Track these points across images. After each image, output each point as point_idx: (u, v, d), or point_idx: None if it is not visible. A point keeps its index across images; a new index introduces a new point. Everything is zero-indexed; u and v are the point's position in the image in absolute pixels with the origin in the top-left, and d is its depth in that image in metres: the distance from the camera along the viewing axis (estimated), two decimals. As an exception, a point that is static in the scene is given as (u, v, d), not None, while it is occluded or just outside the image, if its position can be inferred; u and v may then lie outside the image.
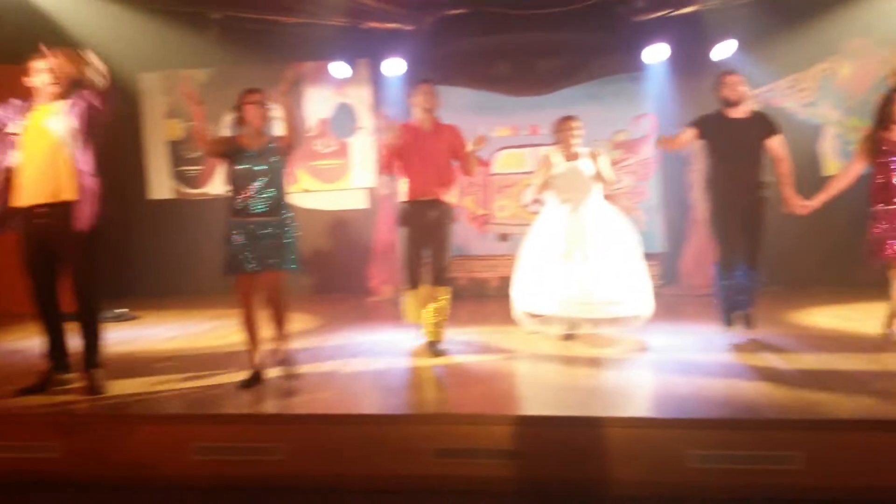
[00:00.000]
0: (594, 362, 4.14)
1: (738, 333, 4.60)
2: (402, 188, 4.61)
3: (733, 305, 4.61)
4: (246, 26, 7.47)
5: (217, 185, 8.27)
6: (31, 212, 3.60)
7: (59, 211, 3.57)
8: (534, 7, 7.02)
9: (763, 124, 4.57)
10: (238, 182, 3.73)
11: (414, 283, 4.57)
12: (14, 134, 3.62)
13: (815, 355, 4.09)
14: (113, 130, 8.19)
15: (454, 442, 3.03)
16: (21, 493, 3.08)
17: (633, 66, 7.47)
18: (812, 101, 7.28)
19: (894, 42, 7.00)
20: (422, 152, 4.48)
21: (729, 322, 4.66)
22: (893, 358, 3.94)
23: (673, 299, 6.72)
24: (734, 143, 4.50)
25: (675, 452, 2.95)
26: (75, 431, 3.17)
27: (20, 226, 3.64)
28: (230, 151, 3.77)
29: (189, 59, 7.94)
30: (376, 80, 7.93)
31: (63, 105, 3.66)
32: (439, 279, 4.53)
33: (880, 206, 4.14)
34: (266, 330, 3.93)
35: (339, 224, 7.93)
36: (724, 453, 2.89)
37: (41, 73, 3.65)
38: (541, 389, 3.59)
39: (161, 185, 8.34)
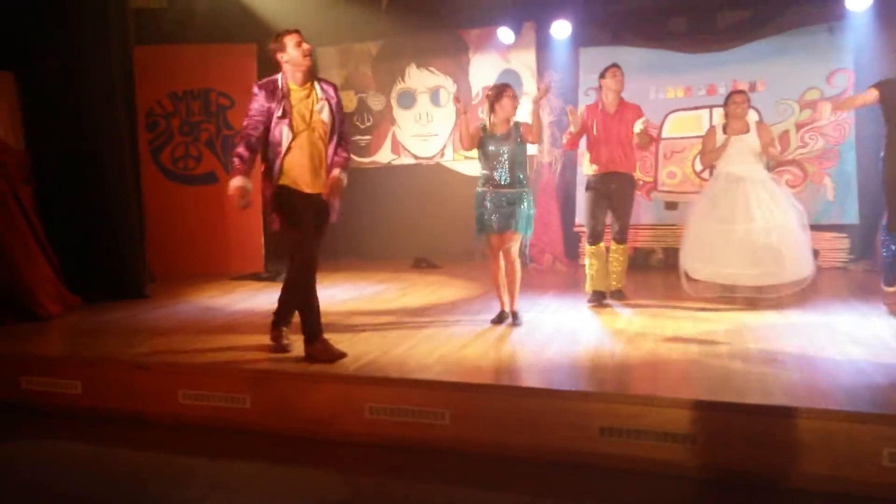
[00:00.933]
0: (768, 344, 3.86)
1: None
2: (589, 162, 5.31)
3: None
4: (414, -3, 7.63)
5: (385, 153, 8.61)
6: (310, 198, 3.74)
7: (325, 202, 3.82)
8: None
9: None
10: (488, 160, 4.49)
11: (595, 240, 5.27)
12: (283, 117, 3.66)
13: None
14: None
15: (620, 421, 2.97)
16: (217, 436, 3.45)
17: (831, 15, 6.73)
18: None
19: None
20: (608, 132, 5.17)
21: (890, 282, 4.70)
22: None
23: (866, 276, 6.09)
24: None
25: (869, 449, 2.69)
26: (263, 386, 3.47)
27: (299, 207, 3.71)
28: (483, 136, 4.52)
29: (362, 32, 8.27)
30: (542, 44, 7.80)
31: (318, 90, 3.78)
32: (620, 238, 5.35)
33: None
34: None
35: None
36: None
37: (299, 48, 3.70)
38: (712, 371, 3.39)
39: (335, 153, 8.79)
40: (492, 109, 4.48)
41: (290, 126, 3.68)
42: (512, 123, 4.49)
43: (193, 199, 7.57)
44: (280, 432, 3.39)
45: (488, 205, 4.46)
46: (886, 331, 4.08)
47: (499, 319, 4.58)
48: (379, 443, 3.24)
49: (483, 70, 8.19)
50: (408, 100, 8.51)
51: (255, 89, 3.74)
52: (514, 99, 4.46)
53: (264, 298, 5.83)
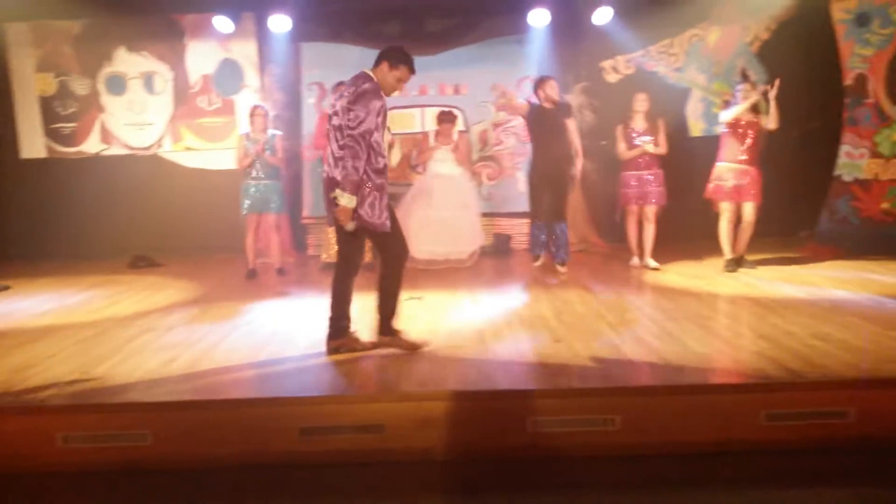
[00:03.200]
0: (457, 331, 4.43)
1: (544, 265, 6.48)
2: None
3: (540, 244, 6.49)
4: (122, -24, 7.14)
5: (93, 143, 7.99)
6: None
7: None
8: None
9: (566, 112, 6.23)
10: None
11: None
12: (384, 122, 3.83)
13: (656, 319, 4.54)
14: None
15: (318, 421, 3.25)
16: None
17: (519, 28, 7.64)
18: (681, 66, 7.70)
19: (757, 9, 7.47)
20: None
21: (536, 258, 6.57)
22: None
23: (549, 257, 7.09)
24: (547, 130, 6.14)
25: (517, 418, 3.28)
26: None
27: None
28: (248, 142, 6.32)
29: (61, 9, 7.49)
30: (263, 35, 7.78)
31: None
32: None
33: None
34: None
35: (224, 184, 7.65)
36: (556, 418, 3.26)
37: (402, 82, 3.90)
38: (401, 362, 3.82)
39: (33, 143, 7.95)
40: (255, 123, 6.32)
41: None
42: (269, 134, 6.33)
43: None
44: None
45: (252, 192, 6.30)
46: (548, 311, 4.89)
47: (251, 275, 6.41)
48: (75, 471, 3.16)
49: (201, 58, 7.96)
50: (118, 85, 7.97)
51: (372, 90, 3.71)
52: (265, 118, 6.35)
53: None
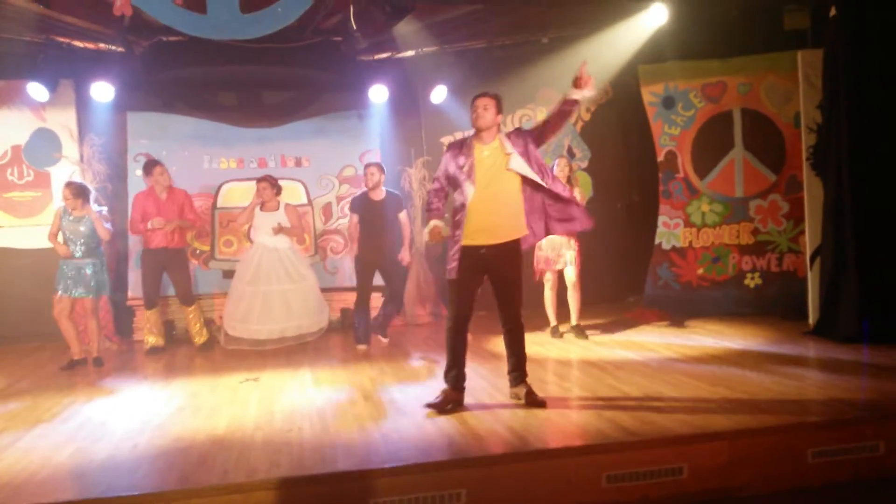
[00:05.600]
0: (294, 411, 4.18)
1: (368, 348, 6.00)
2: (145, 238, 6.38)
3: (364, 332, 6.00)
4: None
5: None
6: (478, 249, 3.95)
7: (508, 247, 4.02)
8: (257, 41, 6.93)
9: (396, 206, 6.11)
10: (65, 236, 5.82)
11: (152, 304, 6.36)
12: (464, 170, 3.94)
13: (498, 386, 4.52)
14: None
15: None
16: None
17: (359, 104, 7.68)
18: (514, 144, 8.09)
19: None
20: (160, 214, 6.24)
21: (361, 341, 5.99)
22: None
23: (397, 329, 6.99)
24: (373, 220, 5.97)
25: (359, 502, 3.06)
26: None
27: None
28: (63, 217, 5.86)
29: None
30: (83, 103, 7.25)
31: (506, 140, 3.96)
32: (185, 300, 6.42)
33: None
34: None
35: (39, 264, 6.81)
36: (399, 498, 3.06)
37: (473, 113, 3.97)
38: (232, 449, 3.48)
39: None
40: (64, 198, 5.79)
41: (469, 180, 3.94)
42: (86, 210, 5.80)
43: None
44: None
45: (67, 272, 5.75)
46: (393, 384, 4.73)
47: (71, 366, 5.72)
48: None
49: (11, 128, 7.26)
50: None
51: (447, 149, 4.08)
52: (72, 190, 5.81)
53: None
